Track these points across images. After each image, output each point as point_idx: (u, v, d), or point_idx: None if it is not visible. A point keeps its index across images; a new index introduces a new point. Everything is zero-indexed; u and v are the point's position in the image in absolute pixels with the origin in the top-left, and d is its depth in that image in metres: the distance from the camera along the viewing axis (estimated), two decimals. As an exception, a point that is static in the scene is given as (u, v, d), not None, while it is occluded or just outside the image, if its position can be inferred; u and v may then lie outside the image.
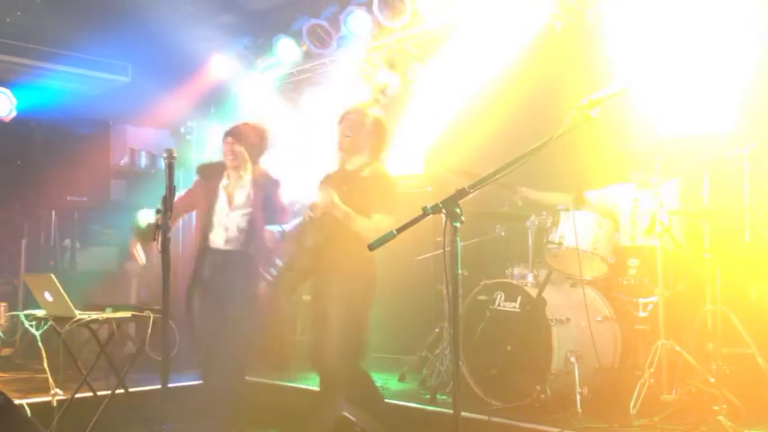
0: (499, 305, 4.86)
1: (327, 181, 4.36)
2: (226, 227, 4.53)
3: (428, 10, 6.17)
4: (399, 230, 2.79)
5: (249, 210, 4.55)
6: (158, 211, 3.74)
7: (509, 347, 4.74)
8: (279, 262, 4.47)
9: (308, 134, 7.65)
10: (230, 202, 4.58)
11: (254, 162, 4.67)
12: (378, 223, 4.05)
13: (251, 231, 4.50)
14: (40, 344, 4.35)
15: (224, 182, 4.65)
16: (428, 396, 5.05)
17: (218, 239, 4.53)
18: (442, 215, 2.75)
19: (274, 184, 4.71)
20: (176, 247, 6.77)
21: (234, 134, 4.65)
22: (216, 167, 4.71)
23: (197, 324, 4.48)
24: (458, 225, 2.73)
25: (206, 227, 4.56)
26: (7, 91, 7.25)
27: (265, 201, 4.57)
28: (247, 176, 4.63)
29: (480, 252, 5.71)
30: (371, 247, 2.83)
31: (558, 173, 5.23)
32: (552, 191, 5.31)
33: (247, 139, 4.65)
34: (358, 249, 4.04)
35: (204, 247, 4.54)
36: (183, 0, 6.71)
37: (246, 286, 4.45)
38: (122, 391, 4.52)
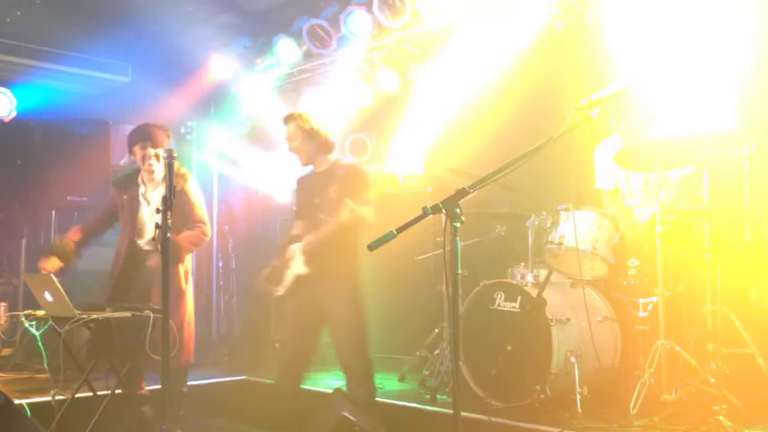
0: (499, 305, 4.86)
1: (304, 184, 4.63)
2: (152, 231, 4.66)
3: (428, 10, 6.18)
4: (399, 230, 2.80)
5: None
6: (158, 211, 3.74)
7: (509, 347, 4.74)
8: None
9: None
10: (149, 206, 4.77)
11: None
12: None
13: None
14: (40, 344, 4.35)
15: (141, 189, 4.81)
16: (428, 396, 5.05)
17: (145, 244, 4.75)
18: (442, 215, 2.75)
19: (182, 178, 4.82)
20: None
21: (147, 138, 4.78)
22: (130, 177, 4.86)
23: None
24: (458, 225, 2.73)
25: (132, 234, 4.75)
26: (7, 91, 7.25)
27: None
28: (160, 178, 4.77)
29: (480, 252, 5.71)
30: (371, 248, 2.83)
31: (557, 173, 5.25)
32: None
33: (160, 142, 4.81)
34: (345, 248, 4.35)
35: (134, 252, 4.71)
36: (183, 0, 6.71)
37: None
38: (122, 391, 4.52)
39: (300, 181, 4.68)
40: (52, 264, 4.68)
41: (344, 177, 4.37)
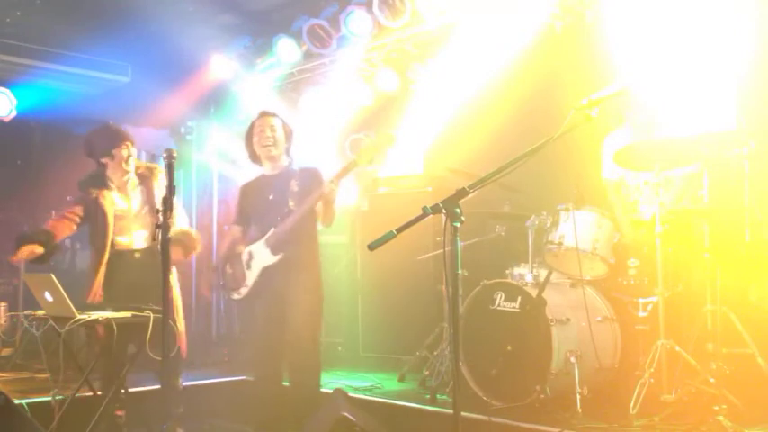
0: (499, 305, 4.86)
1: (253, 187, 4.84)
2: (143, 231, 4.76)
3: (428, 10, 6.17)
4: (399, 230, 2.80)
5: (146, 207, 4.76)
6: (158, 211, 3.74)
7: (509, 347, 4.74)
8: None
9: (308, 134, 7.65)
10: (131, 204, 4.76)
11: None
12: None
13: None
14: (40, 344, 4.35)
15: (112, 188, 4.76)
16: (428, 396, 5.05)
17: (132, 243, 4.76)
18: (442, 215, 2.75)
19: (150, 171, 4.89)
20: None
21: (129, 137, 4.83)
22: (96, 178, 4.78)
23: None
24: (458, 225, 2.73)
25: (113, 235, 4.71)
26: (7, 91, 7.25)
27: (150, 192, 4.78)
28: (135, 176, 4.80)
29: (480, 252, 5.71)
30: (371, 248, 2.83)
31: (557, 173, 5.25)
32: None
33: (133, 141, 4.86)
34: (310, 238, 4.66)
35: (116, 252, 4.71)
36: (183, 0, 6.71)
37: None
38: (122, 391, 4.52)
39: (247, 186, 4.89)
40: (30, 250, 4.54)
41: (304, 174, 4.65)
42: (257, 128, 4.74)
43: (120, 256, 4.72)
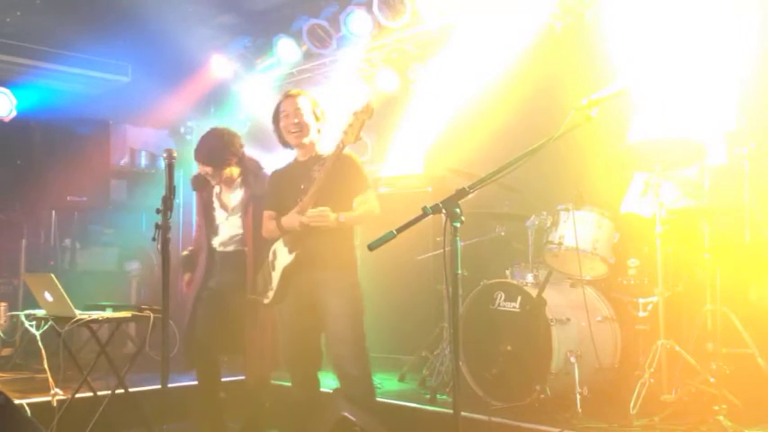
0: (499, 305, 4.86)
1: (283, 174, 4.34)
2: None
3: (428, 10, 6.17)
4: (399, 230, 2.80)
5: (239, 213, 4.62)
6: (158, 212, 3.74)
7: (509, 347, 4.74)
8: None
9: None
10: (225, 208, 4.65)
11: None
12: (367, 206, 4.13)
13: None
14: (40, 344, 4.35)
15: (216, 189, 4.70)
16: (428, 396, 5.05)
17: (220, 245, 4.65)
18: (442, 215, 2.75)
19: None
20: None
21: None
22: (202, 178, 4.76)
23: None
24: (458, 225, 2.73)
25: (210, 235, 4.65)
26: (7, 91, 7.25)
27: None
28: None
29: (480, 252, 5.71)
30: (371, 248, 2.83)
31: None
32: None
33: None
34: (342, 240, 4.14)
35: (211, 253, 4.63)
36: (183, 0, 6.71)
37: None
38: (122, 391, 4.52)
39: (278, 173, 4.39)
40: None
41: (336, 161, 4.11)
42: (282, 111, 4.24)
43: (212, 256, 4.73)
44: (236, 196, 4.63)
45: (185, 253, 4.76)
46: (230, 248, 4.59)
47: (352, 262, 4.19)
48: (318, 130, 4.26)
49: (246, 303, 4.39)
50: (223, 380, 4.71)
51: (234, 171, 4.61)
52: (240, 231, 4.57)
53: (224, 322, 4.53)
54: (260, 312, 4.43)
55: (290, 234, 4.08)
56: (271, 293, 4.18)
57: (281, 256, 4.15)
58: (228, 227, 4.61)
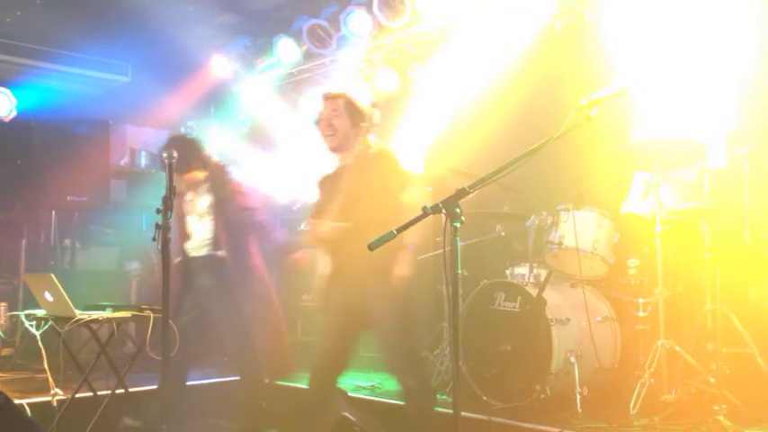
0: (499, 305, 4.86)
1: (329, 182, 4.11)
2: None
3: (428, 10, 6.17)
4: (399, 230, 2.79)
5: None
6: (158, 212, 3.73)
7: (509, 347, 4.74)
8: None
9: (308, 134, 7.65)
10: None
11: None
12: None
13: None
14: (40, 344, 4.35)
15: (188, 196, 4.76)
16: (428, 396, 5.04)
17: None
18: (442, 215, 2.75)
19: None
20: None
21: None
22: None
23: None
24: (458, 225, 2.73)
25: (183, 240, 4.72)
26: (7, 91, 7.26)
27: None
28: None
29: (480, 252, 5.71)
30: (371, 247, 2.83)
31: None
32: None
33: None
34: (382, 248, 3.78)
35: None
36: (183, 0, 6.71)
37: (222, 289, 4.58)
38: (122, 391, 4.52)
39: (324, 179, 4.17)
40: None
41: (375, 161, 3.94)
42: (319, 115, 4.06)
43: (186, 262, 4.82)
44: (204, 201, 4.70)
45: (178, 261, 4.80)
46: (202, 253, 4.68)
47: (391, 262, 3.82)
48: (358, 133, 3.99)
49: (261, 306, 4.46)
50: (224, 380, 4.73)
51: (199, 176, 4.67)
52: (210, 235, 4.65)
53: (208, 330, 4.59)
54: (268, 314, 4.49)
55: (327, 242, 3.91)
56: (317, 300, 4.08)
57: (322, 263, 4.00)
58: (199, 231, 4.69)
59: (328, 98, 4.05)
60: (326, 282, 3.96)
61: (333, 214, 3.86)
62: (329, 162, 4.21)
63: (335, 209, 3.86)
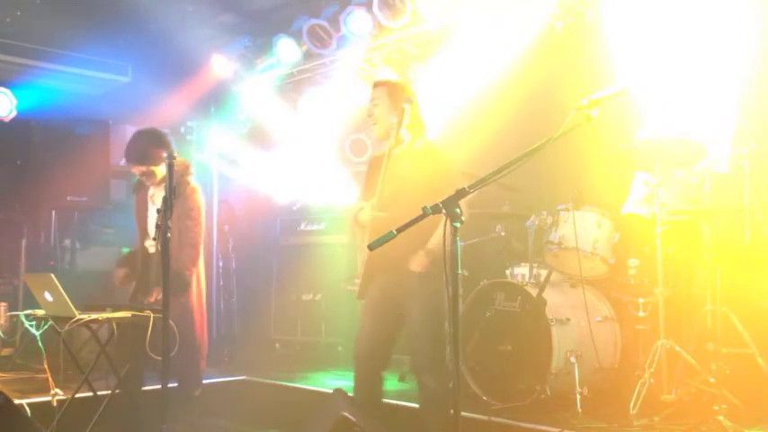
0: (499, 305, 4.86)
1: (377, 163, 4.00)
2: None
3: (428, 10, 6.17)
4: (399, 230, 2.80)
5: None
6: (158, 211, 3.74)
7: (509, 347, 4.74)
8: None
9: (308, 134, 7.65)
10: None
11: None
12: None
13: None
14: (40, 344, 4.35)
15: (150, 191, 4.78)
16: (428, 396, 5.04)
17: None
18: (442, 215, 2.75)
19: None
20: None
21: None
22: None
23: None
24: (458, 225, 2.73)
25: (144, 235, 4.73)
26: (7, 91, 7.26)
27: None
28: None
29: (480, 252, 5.71)
30: (371, 247, 2.83)
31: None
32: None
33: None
34: (420, 243, 3.75)
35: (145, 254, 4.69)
36: (183, 0, 6.71)
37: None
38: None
39: (374, 159, 4.14)
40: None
41: (421, 154, 3.88)
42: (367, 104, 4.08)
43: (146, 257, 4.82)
44: (160, 196, 4.65)
45: (126, 250, 4.78)
46: (153, 250, 4.64)
47: (434, 267, 3.75)
48: (401, 122, 3.88)
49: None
50: (224, 380, 4.70)
51: (156, 169, 4.65)
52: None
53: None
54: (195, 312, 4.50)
55: (368, 229, 3.83)
56: (357, 283, 4.00)
57: (364, 250, 3.87)
58: (153, 226, 4.60)
59: (373, 87, 4.05)
60: (364, 270, 3.92)
61: (375, 202, 3.83)
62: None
63: (378, 197, 3.82)
